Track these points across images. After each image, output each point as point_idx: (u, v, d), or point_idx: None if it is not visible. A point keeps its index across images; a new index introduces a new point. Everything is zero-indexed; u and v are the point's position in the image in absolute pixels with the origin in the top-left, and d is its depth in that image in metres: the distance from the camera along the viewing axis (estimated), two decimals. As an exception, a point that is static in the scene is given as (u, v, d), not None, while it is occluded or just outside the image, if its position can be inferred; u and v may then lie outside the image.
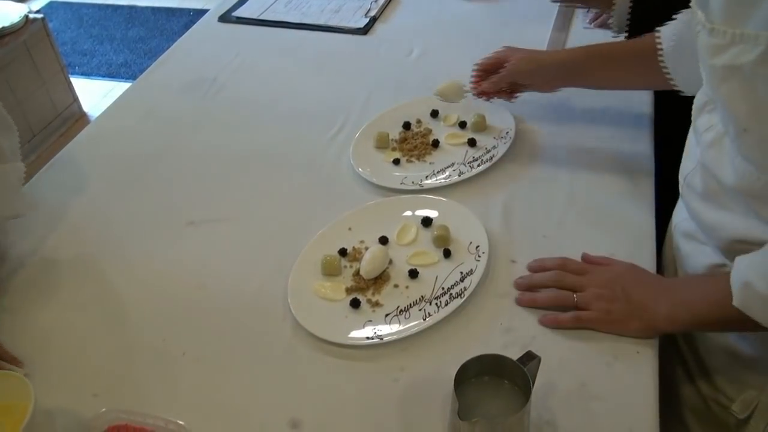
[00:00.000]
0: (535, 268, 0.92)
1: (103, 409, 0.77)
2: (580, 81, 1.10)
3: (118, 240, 1.05)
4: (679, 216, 0.95)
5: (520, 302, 0.88)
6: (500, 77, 1.09)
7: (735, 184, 0.75)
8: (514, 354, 0.71)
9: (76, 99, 3.04)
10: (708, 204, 0.83)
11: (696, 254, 0.90)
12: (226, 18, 1.64)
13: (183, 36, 1.61)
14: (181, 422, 0.76)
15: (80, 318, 0.93)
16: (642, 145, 1.12)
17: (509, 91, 1.13)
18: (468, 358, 0.70)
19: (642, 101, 1.22)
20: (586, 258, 0.92)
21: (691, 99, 0.86)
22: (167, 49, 1.56)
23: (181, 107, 1.34)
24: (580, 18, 1.48)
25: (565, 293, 0.86)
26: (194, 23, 1.66)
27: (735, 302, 0.72)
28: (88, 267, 1.01)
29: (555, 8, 1.52)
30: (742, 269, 0.72)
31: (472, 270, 0.92)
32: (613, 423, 0.75)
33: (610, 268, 0.88)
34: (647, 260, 0.92)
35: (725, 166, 0.76)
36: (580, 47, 1.06)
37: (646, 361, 0.80)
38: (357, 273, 0.94)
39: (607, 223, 0.99)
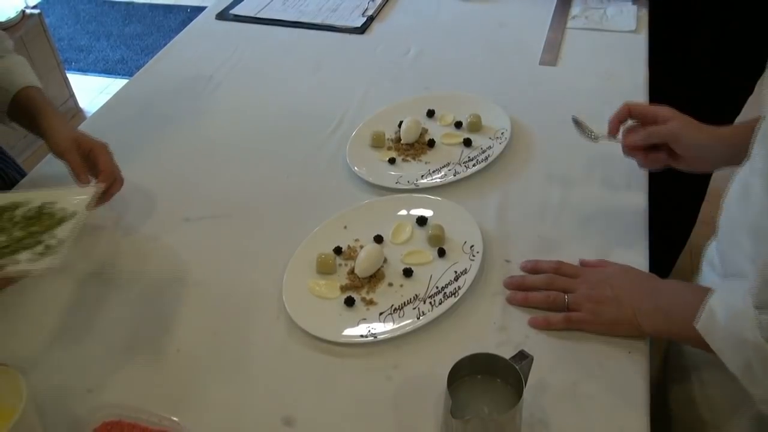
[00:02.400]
0: (529, 269, 0.92)
1: (97, 405, 0.77)
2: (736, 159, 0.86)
3: (113, 235, 1.05)
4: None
5: (511, 300, 0.89)
6: (655, 132, 0.93)
7: None
8: (507, 353, 0.71)
9: (72, 95, 3.03)
10: None
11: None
12: (223, 15, 1.64)
13: (180, 33, 1.61)
14: (175, 419, 0.76)
15: (74, 313, 0.93)
16: (636, 147, 1.12)
17: (649, 153, 0.96)
18: (461, 357, 0.71)
19: (636, 100, 1.22)
20: (582, 262, 0.92)
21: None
22: (164, 45, 1.56)
23: (178, 104, 1.34)
24: (575, 19, 1.49)
25: (557, 294, 0.86)
26: (192, 20, 1.66)
27: (697, 326, 0.73)
28: (82, 262, 1.01)
29: (551, 9, 1.52)
30: (714, 295, 0.73)
31: (466, 269, 0.92)
32: (605, 422, 0.75)
33: (602, 269, 0.89)
34: (640, 260, 0.92)
35: None
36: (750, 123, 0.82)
37: (638, 361, 0.81)
38: (352, 271, 0.94)
39: (601, 223, 0.99)
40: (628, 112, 0.96)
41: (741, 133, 0.87)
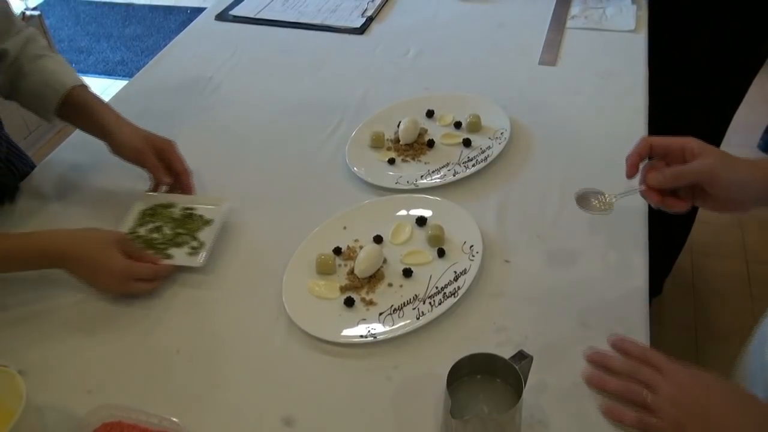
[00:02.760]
0: (618, 347, 0.80)
1: (97, 406, 0.77)
2: None
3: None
4: None
5: (589, 380, 0.77)
6: (687, 172, 0.78)
7: None
8: (507, 353, 0.71)
9: None
10: None
11: None
12: (223, 16, 1.64)
13: (180, 34, 1.61)
14: (174, 419, 0.76)
15: (74, 313, 0.93)
16: (635, 144, 1.12)
17: (670, 196, 0.82)
18: (461, 356, 0.71)
19: (637, 102, 1.22)
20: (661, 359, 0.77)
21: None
22: (164, 47, 1.56)
23: (178, 105, 1.34)
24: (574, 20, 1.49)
25: (637, 389, 0.74)
26: (191, 21, 1.66)
27: None
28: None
29: (550, 10, 1.52)
30: None
31: (465, 269, 0.92)
32: (604, 423, 0.75)
33: (691, 371, 0.75)
34: (639, 262, 0.92)
35: None
36: None
37: (638, 360, 0.80)
38: (351, 272, 0.94)
39: (601, 224, 0.99)
40: (649, 148, 0.82)
41: None
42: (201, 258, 0.96)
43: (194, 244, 0.99)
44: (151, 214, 1.04)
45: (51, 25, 3.59)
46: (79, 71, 3.45)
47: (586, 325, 0.85)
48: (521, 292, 0.91)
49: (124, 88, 1.44)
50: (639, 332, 0.83)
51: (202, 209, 1.04)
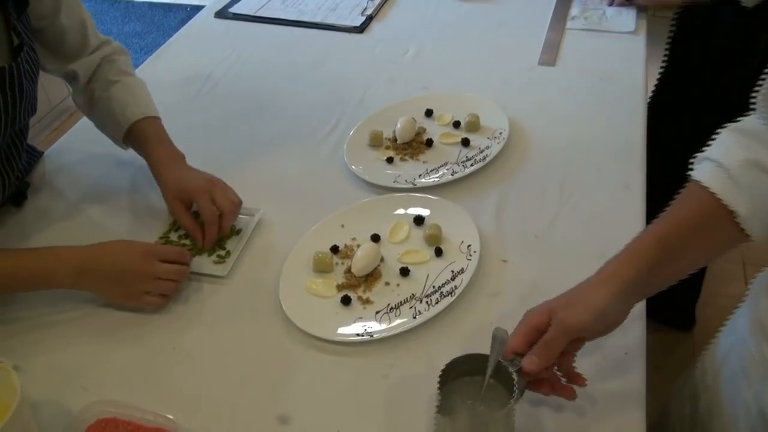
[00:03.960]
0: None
1: (92, 402, 0.77)
2: (651, 290, 0.73)
3: (109, 233, 1.05)
4: (735, 334, 0.82)
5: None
6: (552, 341, 0.70)
7: None
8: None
9: (71, 92, 3.03)
10: None
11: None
12: (222, 14, 1.64)
13: (179, 32, 1.61)
14: (170, 416, 0.76)
15: (70, 310, 0.93)
16: (634, 146, 1.12)
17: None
18: (457, 356, 0.70)
19: (635, 103, 1.22)
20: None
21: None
22: (163, 44, 1.56)
23: (176, 103, 1.34)
24: (575, 19, 1.49)
25: None
26: (191, 19, 1.66)
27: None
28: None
29: (550, 9, 1.52)
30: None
31: (463, 269, 0.92)
32: (601, 422, 0.75)
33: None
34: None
35: None
36: (631, 255, 0.72)
37: (635, 362, 0.80)
38: (348, 270, 0.94)
39: (598, 224, 0.99)
40: (510, 350, 0.71)
41: (633, 269, 0.70)
42: (227, 268, 0.96)
43: (221, 252, 0.99)
44: None
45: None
46: (78, 67, 3.39)
47: (583, 325, 0.85)
48: (518, 292, 0.91)
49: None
50: (635, 331, 0.83)
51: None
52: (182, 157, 1.06)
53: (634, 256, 0.71)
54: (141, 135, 1.06)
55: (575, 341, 0.71)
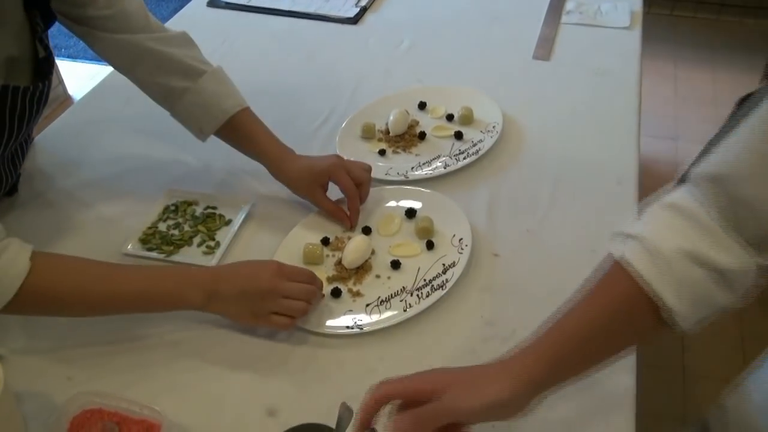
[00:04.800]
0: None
1: (77, 393, 0.76)
2: (560, 385, 0.64)
3: (99, 223, 1.04)
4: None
5: None
6: (428, 417, 0.61)
7: None
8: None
9: (61, 82, 3.00)
10: None
11: None
12: (215, 3, 1.62)
13: (170, 20, 1.59)
14: (156, 408, 0.75)
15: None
16: (627, 141, 1.12)
17: None
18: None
19: (630, 99, 1.22)
20: None
21: None
22: (154, 32, 1.54)
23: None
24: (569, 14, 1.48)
25: None
26: (183, 7, 1.64)
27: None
28: (68, 250, 0.99)
29: (546, 4, 1.52)
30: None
31: (454, 262, 0.91)
32: (591, 418, 0.75)
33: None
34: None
35: None
36: (542, 350, 0.63)
37: (624, 359, 0.80)
38: (339, 262, 0.93)
39: (591, 219, 0.99)
40: (386, 398, 0.64)
41: (542, 364, 0.62)
42: (214, 259, 0.95)
43: (210, 243, 0.98)
44: (174, 210, 1.04)
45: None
46: (69, 56, 3.41)
47: (574, 320, 0.85)
48: (509, 286, 0.90)
49: (113, 73, 1.40)
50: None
51: (224, 209, 1.04)
52: (290, 149, 1.04)
53: (546, 352, 0.62)
54: (243, 131, 1.03)
55: (457, 425, 0.63)
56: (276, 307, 0.83)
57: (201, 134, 1.04)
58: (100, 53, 1.02)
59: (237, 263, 0.90)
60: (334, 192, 1.01)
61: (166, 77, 1.01)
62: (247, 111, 1.04)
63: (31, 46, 0.90)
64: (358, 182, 0.98)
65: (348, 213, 0.99)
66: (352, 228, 0.99)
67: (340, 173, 0.97)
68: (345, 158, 1.03)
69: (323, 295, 0.89)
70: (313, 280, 0.87)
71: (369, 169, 1.01)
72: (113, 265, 0.87)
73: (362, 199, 1.00)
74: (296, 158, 1.02)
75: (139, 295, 0.82)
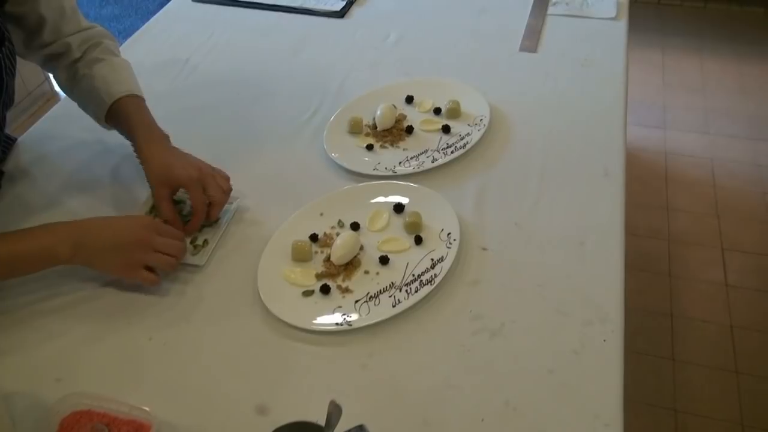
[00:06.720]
0: None
1: (66, 394, 0.76)
2: None
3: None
4: None
5: None
6: None
7: None
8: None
9: (47, 78, 2.97)
10: None
11: None
12: (200, -2, 1.61)
13: (156, 15, 1.58)
14: (145, 408, 0.75)
15: (44, 300, 0.91)
16: (614, 133, 1.12)
17: None
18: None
19: (616, 89, 1.22)
20: None
21: None
22: (141, 28, 1.53)
23: (153, 88, 1.31)
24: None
25: None
26: (169, 2, 1.63)
27: None
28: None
29: (532, -5, 1.51)
30: None
31: (443, 257, 0.91)
32: (579, 409, 0.75)
33: None
34: (615, 250, 0.92)
35: None
36: None
37: (612, 349, 0.81)
38: (328, 259, 0.93)
39: (578, 211, 0.99)
40: None
41: None
42: (204, 257, 0.95)
43: (198, 242, 0.98)
44: None
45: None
46: (53, 52, 3.32)
47: (563, 312, 0.85)
48: (498, 279, 0.90)
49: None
50: (614, 320, 0.84)
51: None
52: (167, 138, 1.03)
53: None
54: (123, 113, 1.03)
55: None
56: (148, 259, 0.88)
57: (99, 123, 1.07)
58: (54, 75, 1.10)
59: (109, 217, 0.92)
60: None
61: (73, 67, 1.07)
62: (134, 99, 1.05)
63: None
64: (212, 201, 0.97)
65: (184, 226, 0.97)
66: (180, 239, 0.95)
67: (194, 188, 0.95)
68: (212, 168, 1.00)
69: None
70: (182, 238, 0.93)
71: (229, 191, 1.00)
72: None
73: (210, 217, 0.98)
74: (162, 151, 0.99)
75: (5, 259, 0.84)
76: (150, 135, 1.01)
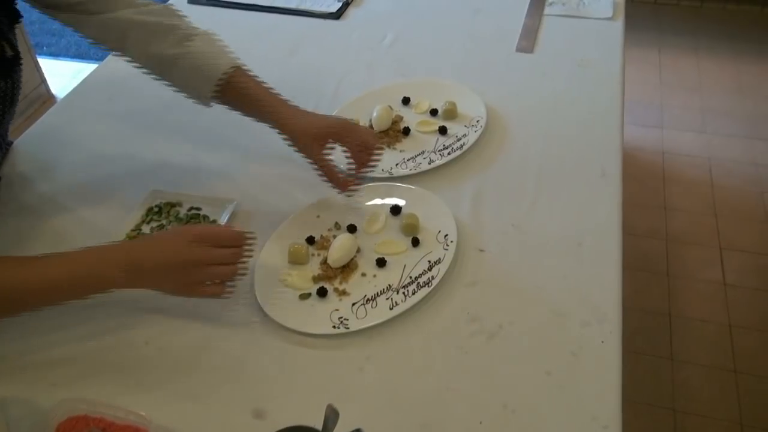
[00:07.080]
0: None
1: (62, 399, 0.75)
2: None
3: (81, 226, 1.03)
4: None
5: None
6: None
7: None
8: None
9: (44, 80, 2.97)
10: None
11: None
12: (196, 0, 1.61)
13: (151, 17, 1.57)
14: (142, 413, 0.74)
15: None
16: (611, 133, 1.12)
17: None
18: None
19: (613, 89, 1.22)
20: None
21: None
22: (135, 30, 1.52)
23: (149, 90, 1.31)
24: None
25: None
26: (165, 3, 1.62)
27: None
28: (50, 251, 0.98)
29: (528, -4, 1.51)
30: None
31: (440, 259, 0.91)
32: (578, 411, 0.75)
33: None
34: (613, 252, 0.92)
35: None
36: None
37: (611, 350, 0.81)
38: (324, 261, 0.93)
39: (575, 212, 0.99)
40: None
41: None
42: None
43: None
44: (157, 211, 1.03)
45: (22, 7, 3.50)
46: (50, 54, 3.37)
47: (560, 313, 0.85)
48: (495, 281, 0.90)
49: (95, 71, 1.41)
50: (612, 321, 0.83)
51: (208, 209, 1.03)
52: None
53: None
54: (241, 86, 0.99)
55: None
56: (204, 276, 0.82)
57: (202, 100, 1.01)
58: (90, 36, 1.01)
59: (156, 234, 0.90)
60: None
61: (158, 46, 0.99)
62: (243, 70, 1.01)
63: None
64: (364, 146, 0.97)
65: (342, 179, 0.97)
66: (343, 192, 0.97)
67: (347, 133, 0.97)
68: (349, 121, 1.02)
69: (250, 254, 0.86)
70: (238, 239, 0.84)
71: (374, 132, 1.00)
72: (22, 259, 0.81)
73: (364, 162, 0.98)
74: (304, 112, 1.00)
75: (44, 287, 0.78)
76: (279, 100, 1.00)
